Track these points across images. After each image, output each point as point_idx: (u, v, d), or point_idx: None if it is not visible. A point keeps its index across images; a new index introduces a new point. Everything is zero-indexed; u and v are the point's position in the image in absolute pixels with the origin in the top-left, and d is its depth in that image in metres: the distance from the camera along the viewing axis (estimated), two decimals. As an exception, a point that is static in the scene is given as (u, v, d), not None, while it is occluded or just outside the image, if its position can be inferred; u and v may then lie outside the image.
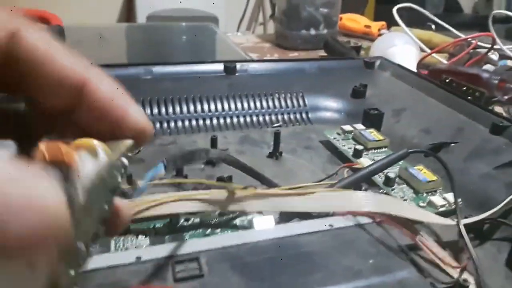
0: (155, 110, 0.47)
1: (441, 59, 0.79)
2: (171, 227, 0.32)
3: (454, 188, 0.34)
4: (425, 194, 0.37)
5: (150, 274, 0.25)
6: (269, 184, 0.34)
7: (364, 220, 0.30)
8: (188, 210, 0.31)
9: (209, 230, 0.32)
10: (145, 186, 0.19)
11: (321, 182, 0.35)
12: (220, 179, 0.38)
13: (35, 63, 0.14)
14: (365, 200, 0.31)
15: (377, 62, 0.58)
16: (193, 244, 0.27)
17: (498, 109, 0.58)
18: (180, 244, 0.27)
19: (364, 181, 0.35)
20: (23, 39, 0.14)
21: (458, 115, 0.46)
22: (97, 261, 0.25)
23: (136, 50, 0.87)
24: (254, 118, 0.49)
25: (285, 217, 0.32)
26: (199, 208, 0.31)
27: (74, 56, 0.15)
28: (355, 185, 0.34)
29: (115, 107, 0.16)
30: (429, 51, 0.77)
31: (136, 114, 0.16)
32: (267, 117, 0.50)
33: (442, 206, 0.35)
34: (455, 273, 0.28)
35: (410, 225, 0.30)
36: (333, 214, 0.31)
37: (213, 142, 0.41)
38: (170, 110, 0.47)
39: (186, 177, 0.38)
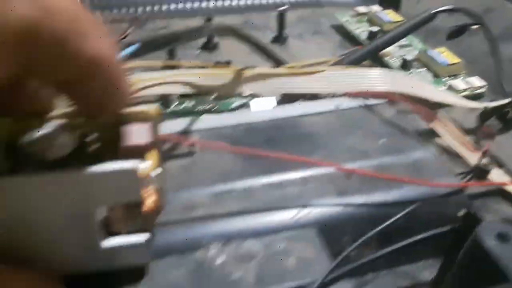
0: (146, -8, 0.42)
1: None
2: (164, 110, 0.29)
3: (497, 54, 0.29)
4: (446, 78, 0.34)
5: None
6: (276, 61, 0.30)
7: (376, 100, 0.27)
8: (183, 92, 0.28)
9: (202, 116, 0.29)
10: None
11: (327, 59, 0.31)
12: (217, 64, 0.34)
13: None
14: (380, 78, 0.27)
15: None
16: (184, 124, 0.25)
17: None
18: (171, 124, 0.24)
19: (380, 51, 0.30)
20: None
21: (488, -6, 0.40)
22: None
23: None
24: (256, 1, 0.44)
25: (287, 99, 0.29)
26: (195, 90, 0.28)
27: None
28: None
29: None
30: None
31: None
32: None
33: (465, 90, 0.32)
34: (474, 160, 0.25)
35: (428, 108, 0.27)
36: (338, 96, 0.28)
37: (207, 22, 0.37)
38: (162, -9, 0.42)
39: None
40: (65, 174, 0.13)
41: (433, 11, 0.30)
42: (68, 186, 0.13)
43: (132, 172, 0.14)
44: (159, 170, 0.15)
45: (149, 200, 0.16)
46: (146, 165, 0.14)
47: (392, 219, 0.20)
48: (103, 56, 0.12)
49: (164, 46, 0.21)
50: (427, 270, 0.22)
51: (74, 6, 0.11)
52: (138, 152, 0.14)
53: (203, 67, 0.31)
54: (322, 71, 0.27)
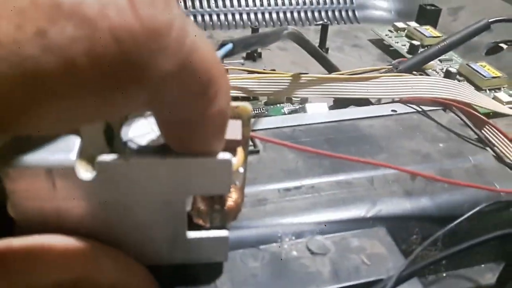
0: (189, 3, 0.43)
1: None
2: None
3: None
4: (488, 91, 0.34)
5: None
6: (332, 68, 0.31)
7: (430, 106, 0.27)
8: (239, 94, 0.28)
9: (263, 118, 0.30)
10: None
11: (380, 70, 0.32)
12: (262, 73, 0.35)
13: None
14: (434, 86, 0.27)
15: (432, -41, 0.52)
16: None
17: None
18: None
19: (434, 58, 0.31)
20: None
21: (524, 13, 0.41)
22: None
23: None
24: (296, 15, 0.45)
25: (339, 104, 0.30)
26: (250, 93, 0.28)
27: None
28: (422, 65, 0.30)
29: None
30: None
31: None
32: (309, 14, 0.45)
33: (508, 103, 0.32)
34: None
35: (479, 115, 0.27)
36: (392, 102, 0.28)
37: (254, 33, 0.38)
38: (205, 3, 0.43)
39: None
40: (165, 160, 0.13)
41: (490, 20, 0.31)
42: (166, 171, 0.13)
43: (227, 163, 0.14)
44: (242, 168, 0.16)
45: (233, 196, 0.16)
46: (235, 161, 0.14)
47: (457, 221, 0.20)
48: (225, 109, 0.12)
49: (251, 46, 0.21)
50: (489, 274, 0.22)
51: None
52: (231, 147, 0.14)
53: (253, 72, 0.32)
54: (377, 77, 0.28)
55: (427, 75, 0.35)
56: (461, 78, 0.35)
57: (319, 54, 0.29)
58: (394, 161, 0.23)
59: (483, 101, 0.28)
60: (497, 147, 0.26)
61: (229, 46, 0.18)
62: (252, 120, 0.27)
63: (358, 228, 0.19)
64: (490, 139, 0.26)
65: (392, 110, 0.26)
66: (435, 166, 0.23)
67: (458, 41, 0.30)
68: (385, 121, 0.26)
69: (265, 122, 0.25)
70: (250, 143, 0.23)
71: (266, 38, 0.23)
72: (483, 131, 0.26)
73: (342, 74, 0.30)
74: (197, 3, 0.43)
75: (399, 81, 0.27)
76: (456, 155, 0.24)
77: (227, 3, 0.44)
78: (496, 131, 0.26)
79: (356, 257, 0.18)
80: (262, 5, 0.44)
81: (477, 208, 0.20)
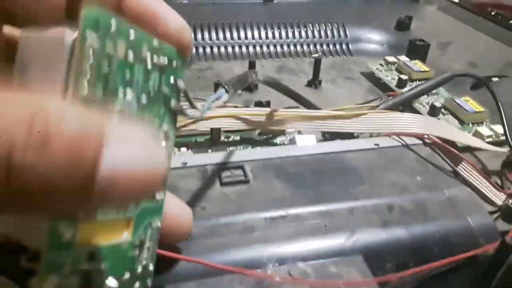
0: (191, 35, 0.46)
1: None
2: (212, 143, 0.32)
3: (503, 115, 0.32)
4: (471, 125, 0.36)
5: (196, 178, 0.25)
6: (313, 108, 0.33)
7: (411, 140, 0.29)
8: (231, 127, 0.31)
9: (249, 148, 0.32)
10: (205, 110, 0.18)
11: (364, 105, 0.34)
12: (258, 104, 0.37)
13: None
14: (414, 122, 0.29)
15: (423, -5, 0.55)
16: (236, 155, 0.27)
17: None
18: (224, 154, 0.27)
19: (408, 102, 0.33)
20: None
21: (507, 49, 0.43)
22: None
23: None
24: (292, 48, 0.47)
25: (327, 137, 0.32)
26: (241, 126, 0.31)
27: None
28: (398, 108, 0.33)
29: (153, 7, 0.15)
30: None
31: (170, 12, 0.15)
32: (305, 47, 0.48)
33: (489, 136, 0.34)
34: (500, 200, 0.27)
35: (455, 152, 0.29)
36: (377, 136, 0.30)
37: (251, 67, 0.40)
38: (206, 35, 0.46)
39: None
40: None
41: (454, 74, 0.34)
42: None
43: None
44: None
45: None
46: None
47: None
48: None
49: (240, 87, 0.24)
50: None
51: None
52: None
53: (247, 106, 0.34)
54: (361, 114, 0.30)
55: (414, 108, 0.37)
56: (446, 112, 0.37)
57: (297, 97, 0.31)
58: (374, 192, 0.25)
59: (461, 137, 0.30)
60: (471, 183, 0.27)
61: (221, 92, 0.20)
62: (244, 150, 0.29)
63: (337, 256, 0.21)
64: (465, 174, 0.28)
65: (375, 144, 0.28)
66: (411, 198, 0.25)
67: (425, 90, 0.33)
68: (368, 154, 0.28)
69: (256, 153, 0.27)
70: (241, 172, 0.25)
71: (247, 78, 0.25)
72: (459, 166, 0.28)
73: (334, 110, 0.32)
74: (199, 36, 0.46)
75: (381, 118, 0.29)
76: (432, 187, 0.26)
77: (227, 36, 0.46)
78: (470, 167, 0.28)
79: (334, 283, 0.20)
80: (260, 38, 0.47)
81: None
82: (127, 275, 0.14)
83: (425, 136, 0.29)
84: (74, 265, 0.12)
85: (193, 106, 0.17)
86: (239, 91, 0.40)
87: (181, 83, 0.17)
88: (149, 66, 0.15)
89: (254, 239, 0.21)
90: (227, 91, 0.20)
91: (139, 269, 0.15)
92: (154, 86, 0.15)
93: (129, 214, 0.14)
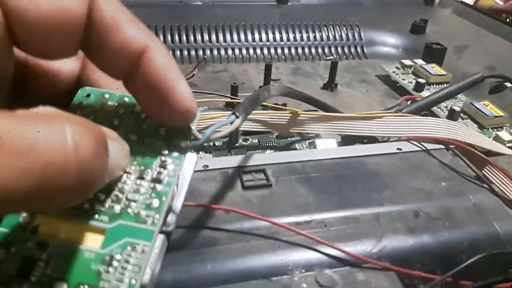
0: (206, 37, 0.45)
1: (498, 1, 0.73)
2: (230, 146, 0.31)
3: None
4: (490, 129, 0.36)
5: (218, 181, 0.24)
6: (327, 109, 0.33)
7: (434, 145, 0.29)
8: (250, 129, 0.30)
9: (268, 151, 0.31)
10: (207, 137, 0.16)
11: (387, 111, 0.34)
12: (275, 105, 0.37)
13: (102, 31, 0.14)
14: (436, 126, 0.29)
15: (438, -1, 0.54)
16: (257, 158, 0.27)
17: None
18: (245, 158, 0.26)
19: (435, 105, 0.33)
20: (96, 7, 0.13)
21: (527, 53, 0.43)
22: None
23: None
24: (306, 50, 0.47)
25: (347, 141, 0.31)
26: (261, 128, 0.30)
27: (139, 25, 0.14)
28: (422, 112, 0.32)
29: (167, 80, 0.14)
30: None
31: (185, 90, 0.15)
32: (319, 50, 0.47)
33: (510, 141, 0.34)
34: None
35: (480, 154, 0.29)
36: (397, 140, 0.30)
37: (267, 69, 0.40)
38: (221, 37, 0.46)
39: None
40: None
41: (485, 75, 0.33)
42: None
43: None
44: None
45: None
46: None
47: (461, 266, 0.21)
48: None
49: (252, 110, 0.23)
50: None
51: None
52: None
53: (266, 107, 0.33)
54: (382, 116, 0.30)
55: (433, 113, 0.36)
56: (464, 117, 0.37)
57: (316, 103, 0.31)
58: (398, 198, 0.24)
59: (483, 141, 0.29)
60: (497, 185, 0.27)
61: (232, 118, 0.19)
62: (265, 153, 0.28)
63: (364, 263, 0.21)
64: (491, 177, 0.27)
65: (398, 148, 0.28)
66: (436, 205, 0.24)
67: (456, 91, 0.32)
68: (391, 159, 0.27)
69: (277, 157, 0.27)
70: (263, 176, 0.25)
71: (258, 99, 0.25)
72: (484, 170, 0.28)
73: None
74: (213, 37, 0.45)
75: (402, 121, 0.29)
76: (457, 193, 0.25)
77: (242, 37, 0.46)
78: (497, 170, 0.27)
79: (362, 290, 0.20)
80: (275, 40, 0.47)
81: (479, 257, 0.21)
82: None
83: (449, 140, 0.29)
84: (20, 246, 0.13)
85: (197, 138, 0.16)
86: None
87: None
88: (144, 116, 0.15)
89: (279, 244, 0.21)
90: (237, 116, 0.19)
91: None
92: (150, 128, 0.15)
93: (101, 224, 0.14)
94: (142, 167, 0.14)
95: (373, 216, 0.23)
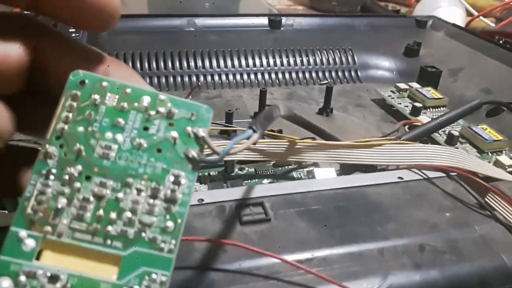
0: (199, 63, 0.45)
1: (489, 23, 0.74)
2: (226, 175, 0.30)
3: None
4: (490, 154, 0.35)
5: (214, 216, 0.23)
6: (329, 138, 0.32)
7: (435, 173, 0.28)
8: (246, 158, 0.29)
9: (265, 180, 0.31)
10: (226, 151, 0.15)
11: (385, 137, 0.33)
12: (271, 131, 0.36)
13: None
14: (437, 154, 0.28)
15: (430, 22, 0.55)
16: (255, 190, 0.26)
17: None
18: (242, 190, 0.25)
19: (434, 132, 0.32)
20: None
21: (521, 75, 0.43)
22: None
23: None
24: (300, 75, 0.47)
25: (346, 170, 0.30)
26: (257, 157, 0.29)
27: None
28: (421, 139, 0.31)
29: None
30: (475, 13, 0.72)
31: None
32: (313, 74, 0.47)
33: (510, 166, 0.33)
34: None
35: (482, 182, 0.28)
36: (398, 169, 0.29)
37: (262, 95, 0.39)
38: (215, 63, 0.45)
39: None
40: None
41: (482, 102, 0.33)
42: None
43: None
44: None
45: None
46: None
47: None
48: None
49: (268, 125, 0.22)
50: None
51: None
52: None
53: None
54: (381, 144, 0.29)
55: (431, 138, 0.36)
56: (463, 141, 0.36)
57: (313, 127, 0.30)
58: (403, 231, 0.23)
59: (484, 168, 0.29)
60: (500, 213, 0.26)
61: (249, 132, 0.18)
62: (262, 184, 0.27)
63: (370, 302, 0.20)
64: (494, 205, 0.26)
65: (399, 177, 0.27)
66: (442, 237, 0.23)
67: (455, 118, 0.32)
68: (393, 188, 0.26)
69: (275, 188, 0.26)
70: (261, 210, 0.24)
71: (272, 114, 0.24)
72: (486, 197, 0.27)
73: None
74: (206, 63, 0.45)
75: (402, 149, 0.28)
76: (463, 224, 0.24)
77: (235, 63, 0.46)
78: (499, 198, 0.26)
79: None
80: (268, 65, 0.46)
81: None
82: None
83: (450, 168, 0.28)
84: (30, 279, 0.12)
85: (214, 152, 0.15)
86: (251, 120, 0.39)
87: (199, 131, 0.15)
88: (152, 113, 0.14)
89: (281, 285, 0.20)
90: (255, 131, 0.19)
91: None
92: (159, 133, 0.14)
93: (114, 251, 0.13)
94: (154, 184, 0.13)
95: (378, 251, 0.22)
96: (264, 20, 0.50)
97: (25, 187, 0.13)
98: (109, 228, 0.13)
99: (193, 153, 0.14)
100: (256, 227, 0.23)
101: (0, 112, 0.13)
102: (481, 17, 0.70)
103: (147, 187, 0.13)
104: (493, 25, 0.73)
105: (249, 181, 0.30)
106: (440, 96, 0.41)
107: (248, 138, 0.18)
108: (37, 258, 0.12)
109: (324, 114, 0.41)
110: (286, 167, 0.32)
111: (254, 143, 0.17)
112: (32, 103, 0.15)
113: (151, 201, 0.13)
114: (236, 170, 0.31)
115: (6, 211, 0.25)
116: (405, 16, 0.64)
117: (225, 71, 0.45)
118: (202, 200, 0.24)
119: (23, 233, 0.12)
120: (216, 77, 0.45)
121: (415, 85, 0.43)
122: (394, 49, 0.50)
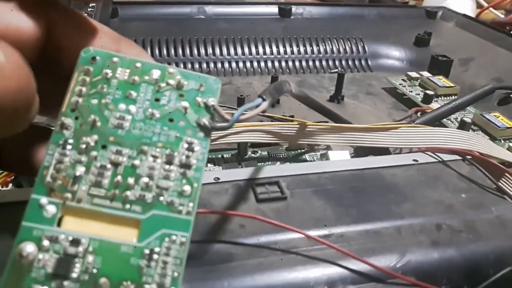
0: (210, 50, 0.45)
1: (499, 14, 0.74)
2: (240, 158, 0.30)
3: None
4: (502, 141, 0.35)
5: (230, 194, 0.23)
6: (339, 121, 0.32)
7: (450, 156, 0.28)
8: (260, 141, 0.29)
9: (278, 163, 0.31)
10: (235, 118, 0.15)
11: (399, 122, 0.33)
12: (282, 118, 0.36)
13: None
14: (452, 137, 0.28)
15: (440, 12, 0.54)
16: (270, 170, 0.26)
17: None
18: (257, 170, 0.25)
19: (447, 116, 0.32)
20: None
21: (533, 65, 0.43)
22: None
23: None
24: (311, 63, 0.47)
25: (360, 153, 0.30)
26: (271, 139, 0.29)
27: None
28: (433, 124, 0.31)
29: None
30: (485, 5, 0.72)
31: None
32: (324, 62, 0.47)
33: (523, 153, 0.33)
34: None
35: (498, 164, 0.28)
36: (411, 152, 0.29)
37: (274, 81, 0.39)
38: (225, 50, 0.45)
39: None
40: None
41: (495, 86, 0.33)
42: None
43: None
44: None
45: None
46: None
47: (490, 280, 0.20)
48: None
49: (278, 96, 0.22)
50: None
51: None
52: None
53: (273, 118, 0.33)
54: (396, 127, 0.29)
55: (443, 125, 0.36)
56: (475, 128, 0.36)
57: (327, 113, 0.30)
58: (419, 211, 0.23)
59: (499, 152, 0.29)
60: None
61: (258, 100, 0.18)
62: (278, 165, 0.27)
63: (389, 278, 0.20)
64: (508, 188, 0.26)
65: (414, 160, 0.27)
66: (459, 217, 0.23)
67: (467, 102, 0.32)
68: (408, 170, 0.26)
69: (290, 168, 0.26)
70: (277, 189, 0.24)
71: (282, 87, 0.24)
72: (501, 180, 0.27)
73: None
74: (217, 51, 0.45)
75: (417, 132, 0.28)
76: (479, 205, 0.24)
77: (246, 51, 0.46)
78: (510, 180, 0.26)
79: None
80: (278, 53, 0.46)
81: (505, 270, 0.21)
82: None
83: (465, 151, 0.28)
84: (52, 243, 0.12)
85: (224, 119, 0.15)
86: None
87: (209, 101, 0.15)
88: (162, 85, 0.14)
89: (299, 259, 0.20)
90: (264, 99, 0.19)
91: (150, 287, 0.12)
92: (170, 103, 0.14)
93: (134, 215, 0.13)
94: (169, 151, 0.14)
95: (395, 229, 0.22)
96: (274, 9, 0.50)
97: (41, 161, 0.13)
98: (128, 193, 0.13)
99: (205, 120, 0.14)
100: (273, 205, 0.23)
101: (32, 84, 0.13)
102: (491, 9, 0.70)
103: (162, 154, 0.14)
104: (502, 16, 0.73)
105: (262, 163, 0.30)
106: (452, 85, 0.41)
107: (258, 106, 0.18)
108: (59, 225, 0.13)
109: (335, 101, 0.41)
110: (299, 150, 0.32)
111: (263, 111, 0.17)
112: (44, 82, 0.15)
113: (166, 166, 0.14)
114: (249, 153, 0.31)
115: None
116: (414, 6, 0.64)
117: (235, 59, 0.45)
118: (218, 178, 0.24)
119: (43, 200, 0.13)
120: (226, 64, 0.45)
121: (426, 74, 0.43)
122: (404, 39, 0.50)
